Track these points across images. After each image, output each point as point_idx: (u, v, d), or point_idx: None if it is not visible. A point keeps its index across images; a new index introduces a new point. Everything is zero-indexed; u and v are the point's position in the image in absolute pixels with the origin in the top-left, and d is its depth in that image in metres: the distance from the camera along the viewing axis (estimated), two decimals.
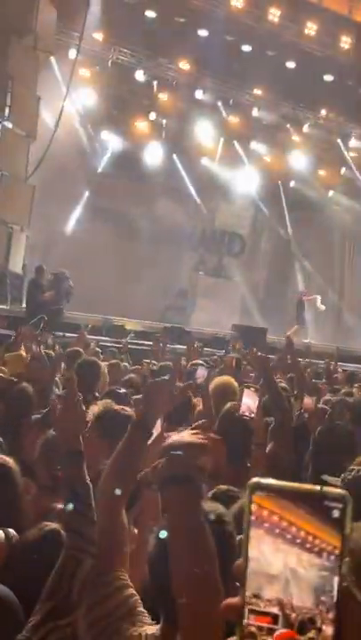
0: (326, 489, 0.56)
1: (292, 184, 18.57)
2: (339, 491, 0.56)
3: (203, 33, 12.52)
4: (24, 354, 4.86)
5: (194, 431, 1.20)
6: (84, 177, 15.07)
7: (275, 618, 0.56)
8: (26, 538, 1.99)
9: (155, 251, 18.23)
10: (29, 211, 10.63)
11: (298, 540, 0.56)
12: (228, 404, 2.85)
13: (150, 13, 12.13)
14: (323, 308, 16.48)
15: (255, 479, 0.58)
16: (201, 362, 5.83)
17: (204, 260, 17.86)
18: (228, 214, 19.52)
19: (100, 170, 16.03)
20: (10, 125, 10.06)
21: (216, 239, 19.48)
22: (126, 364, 6.69)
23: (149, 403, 1.83)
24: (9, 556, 1.94)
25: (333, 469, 2.36)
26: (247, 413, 2.78)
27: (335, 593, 0.55)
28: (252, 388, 2.89)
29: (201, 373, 4.10)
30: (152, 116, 15.22)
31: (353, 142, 16.24)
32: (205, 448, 1.15)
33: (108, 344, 9.58)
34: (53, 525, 1.91)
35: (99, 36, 12.77)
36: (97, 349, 7.42)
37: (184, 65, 13.56)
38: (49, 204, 13.86)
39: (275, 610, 0.56)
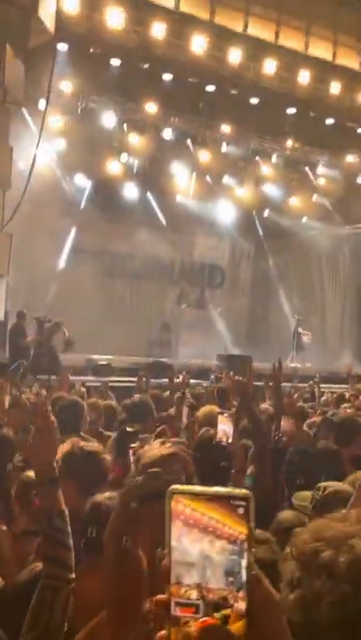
0: (232, 490, 0.65)
1: (266, 213, 19.01)
2: (243, 491, 0.64)
3: (167, 77, 13.00)
4: (4, 401, 4.88)
5: (160, 440, 1.25)
6: (62, 220, 15.31)
7: (197, 607, 0.63)
8: (17, 580, 2.00)
9: (136, 287, 18.42)
10: (8, 258, 10.75)
11: (210, 529, 0.64)
12: (202, 431, 2.90)
13: (115, 61, 12.59)
14: (308, 341, 16.82)
15: (173, 486, 0.66)
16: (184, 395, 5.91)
17: (185, 294, 18.06)
18: (206, 247, 19.87)
19: (77, 211, 16.30)
20: None
21: (196, 272, 19.76)
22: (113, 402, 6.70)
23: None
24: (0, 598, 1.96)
25: (306, 489, 2.42)
26: (224, 439, 2.83)
27: (243, 575, 0.63)
28: (226, 414, 2.95)
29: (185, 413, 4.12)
30: (124, 157, 15.60)
31: (320, 169, 16.74)
32: (177, 456, 1.20)
33: (96, 383, 9.59)
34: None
35: (67, 85, 13.19)
36: (82, 389, 7.44)
37: (151, 107, 14.00)
38: (28, 249, 14.03)
39: (195, 596, 0.63)
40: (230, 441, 2.93)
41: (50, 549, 1.64)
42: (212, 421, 3.57)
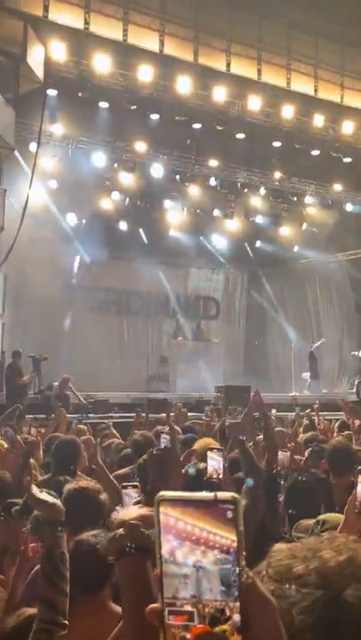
0: (219, 494, 0.63)
1: (257, 244, 19.24)
2: (230, 494, 0.64)
3: (154, 116, 13.35)
4: (3, 443, 4.85)
5: (139, 505, 1.24)
6: (56, 258, 15.45)
7: (190, 615, 0.62)
8: (5, 626, 1.97)
9: (132, 322, 18.49)
10: (2, 298, 10.81)
11: (202, 540, 0.62)
12: (190, 470, 2.89)
13: (103, 104, 12.95)
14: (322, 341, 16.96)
15: (161, 493, 0.65)
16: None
17: (181, 327, 18.13)
18: (199, 279, 20.06)
19: (70, 250, 16.48)
20: None
21: (191, 304, 19.87)
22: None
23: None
24: None
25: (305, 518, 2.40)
26: (215, 475, 2.80)
27: (238, 584, 0.62)
28: (215, 450, 2.93)
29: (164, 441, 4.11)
30: (115, 195, 15.87)
31: (308, 199, 17.04)
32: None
33: (96, 420, 9.52)
34: (31, 611, 1.89)
35: (57, 127, 13.53)
36: (81, 427, 7.39)
37: (140, 146, 14.34)
38: (23, 287, 14.13)
39: (190, 608, 0.62)
40: (221, 477, 2.90)
41: (48, 593, 1.62)
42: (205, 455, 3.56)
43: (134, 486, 2.10)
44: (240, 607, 0.61)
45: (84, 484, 2.79)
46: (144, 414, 8.56)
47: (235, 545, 0.62)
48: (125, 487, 2.12)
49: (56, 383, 11.26)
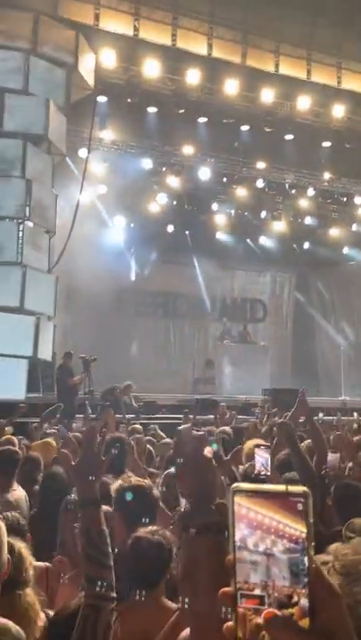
0: (291, 488, 0.67)
1: (306, 246, 18.98)
2: (301, 488, 0.67)
3: (202, 120, 13.40)
4: (52, 442, 4.97)
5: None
6: (105, 262, 15.72)
7: (261, 599, 0.65)
8: (68, 607, 2.03)
9: (179, 325, 18.57)
10: (54, 300, 11.08)
11: (272, 529, 0.66)
12: (242, 467, 2.87)
13: (152, 109, 13.11)
14: None
15: (236, 484, 0.68)
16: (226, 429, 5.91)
17: (228, 329, 18.06)
18: (247, 282, 19.94)
19: (119, 253, 16.72)
20: (31, 224, 10.75)
21: (238, 307, 19.78)
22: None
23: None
24: (51, 626, 1.98)
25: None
26: (263, 472, 2.79)
27: (306, 572, 0.65)
28: (263, 447, 2.92)
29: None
30: (162, 198, 16.01)
31: (358, 200, 16.67)
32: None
33: (144, 421, 9.63)
34: None
35: (107, 133, 13.80)
36: (136, 426, 7.49)
37: (188, 150, 14.42)
38: (74, 291, 14.44)
39: (260, 592, 0.65)
40: (269, 474, 2.89)
41: (89, 569, 1.65)
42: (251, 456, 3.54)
43: None
44: (309, 593, 0.64)
45: (136, 480, 2.83)
46: (192, 416, 8.61)
47: (303, 535, 0.65)
48: None
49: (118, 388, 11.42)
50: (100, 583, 1.61)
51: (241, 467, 3.60)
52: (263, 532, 0.66)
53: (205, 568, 1.14)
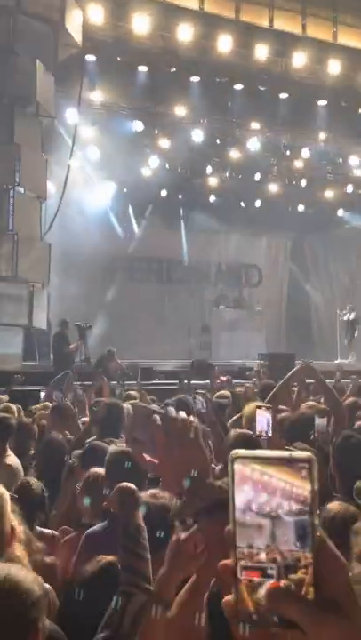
0: (294, 453, 0.63)
1: (300, 208, 18.76)
2: (305, 453, 0.63)
3: (194, 79, 13.01)
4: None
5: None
6: (98, 228, 15.51)
7: (263, 570, 0.62)
8: (84, 572, 2.05)
9: (174, 291, 18.49)
10: (48, 268, 10.96)
11: (278, 490, 0.62)
12: (238, 431, 2.88)
13: (143, 68, 12.69)
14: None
15: (235, 450, 0.65)
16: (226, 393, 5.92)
17: (224, 295, 18.00)
18: (241, 246, 19.77)
19: (112, 219, 16.51)
20: (22, 190, 10.52)
21: (233, 272, 19.68)
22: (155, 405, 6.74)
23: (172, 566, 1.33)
24: (68, 591, 1.99)
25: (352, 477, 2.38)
26: (263, 434, 2.79)
27: (312, 538, 0.62)
28: (264, 408, 2.91)
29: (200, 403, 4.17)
30: (155, 161, 15.70)
31: (354, 160, 16.40)
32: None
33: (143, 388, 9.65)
34: (109, 558, 1.99)
35: (96, 94, 13.38)
36: (132, 392, 7.51)
37: (180, 110, 14.05)
38: (68, 258, 14.29)
39: (263, 560, 0.62)
40: (270, 434, 2.90)
41: (125, 558, 1.69)
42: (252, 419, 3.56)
43: None
44: (313, 562, 0.61)
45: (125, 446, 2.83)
46: (186, 381, 8.63)
47: (310, 495, 0.62)
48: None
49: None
50: (134, 573, 1.63)
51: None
52: (268, 493, 0.62)
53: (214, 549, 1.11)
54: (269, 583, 0.62)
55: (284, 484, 0.62)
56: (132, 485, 1.79)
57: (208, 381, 8.53)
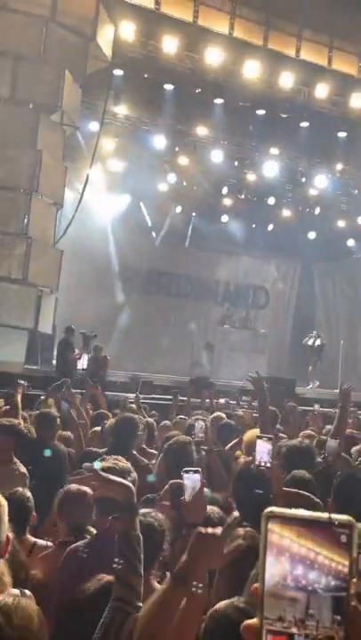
0: (334, 516, 0.61)
1: (312, 236, 18.86)
2: (346, 517, 0.61)
3: (218, 101, 13.20)
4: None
5: None
6: (110, 239, 15.64)
7: (290, 637, 0.59)
8: (87, 590, 2.04)
9: (181, 307, 18.54)
10: (58, 274, 11.03)
11: (316, 565, 0.60)
12: (242, 461, 2.89)
13: (169, 86, 12.89)
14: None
15: (269, 508, 0.62)
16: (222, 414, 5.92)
17: (230, 315, 18.04)
18: (251, 268, 19.86)
19: (125, 231, 16.62)
20: (39, 196, 10.65)
21: (241, 293, 19.73)
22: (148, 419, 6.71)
23: (194, 557, 1.46)
24: (69, 607, 1.99)
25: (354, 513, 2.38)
26: (262, 464, 2.80)
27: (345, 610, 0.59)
28: (265, 438, 2.92)
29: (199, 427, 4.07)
30: (172, 178, 15.86)
31: None
32: None
33: (141, 401, 9.65)
34: (108, 577, 1.96)
35: (121, 108, 13.59)
36: (132, 406, 7.50)
37: (202, 130, 14.23)
38: (78, 266, 14.38)
39: (294, 630, 0.59)
40: (269, 465, 2.91)
41: (124, 573, 1.67)
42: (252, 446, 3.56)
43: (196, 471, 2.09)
44: (344, 632, 0.59)
45: (113, 462, 2.80)
46: (185, 398, 8.61)
47: (346, 569, 0.60)
48: (187, 472, 2.11)
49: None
50: (130, 589, 1.63)
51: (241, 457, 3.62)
52: (305, 566, 0.60)
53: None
54: None
55: (322, 557, 0.59)
56: (132, 488, 1.79)
57: (207, 400, 8.51)
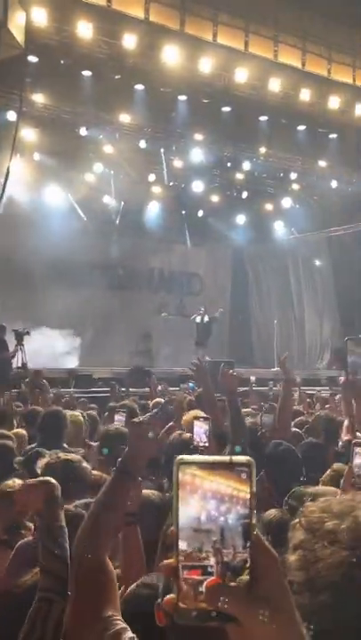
0: (235, 458, 0.67)
1: (241, 220, 19.17)
2: (245, 458, 0.67)
3: (139, 87, 13.07)
4: None
5: None
6: (39, 233, 15.22)
7: (204, 569, 0.65)
8: (23, 582, 1.99)
9: (117, 297, 18.40)
10: None
11: (225, 497, 0.66)
12: (172, 436, 2.91)
13: (86, 72, 12.63)
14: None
15: (180, 457, 0.68)
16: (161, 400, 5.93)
17: (165, 302, 18.08)
18: (184, 255, 19.97)
19: (54, 224, 16.24)
20: None
21: (175, 280, 19.82)
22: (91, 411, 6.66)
23: (131, 446, 1.73)
24: (3, 602, 1.94)
25: (284, 482, 2.44)
26: (201, 444, 2.84)
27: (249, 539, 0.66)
28: (202, 418, 2.96)
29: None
30: (98, 167, 15.62)
31: (293, 175, 16.95)
32: None
33: (77, 395, 9.53)
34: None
35: (39, 96, 13.18)
36: (67, 399, 7.39)
37: (124, 117, 14.07)
38: (6, 262, 13.92)
39: (212, 561, 0.65)
40: (207, 445, 2.95)
41: (47, 562, 1.67)
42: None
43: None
44: (250, 560, 0.65)
45: (64, 454, 2.79)
46: (124, 389, 8.59)
47: (249, 499, 0.66)
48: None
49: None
50: (55, 577, 1.62)
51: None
52: (214, 498, 0.65)
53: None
54: (209, 579, 0.64)
55: (229, 489, 0.65)
56: (54, 482, 1.78)
57: (147, 389, 8.52)
